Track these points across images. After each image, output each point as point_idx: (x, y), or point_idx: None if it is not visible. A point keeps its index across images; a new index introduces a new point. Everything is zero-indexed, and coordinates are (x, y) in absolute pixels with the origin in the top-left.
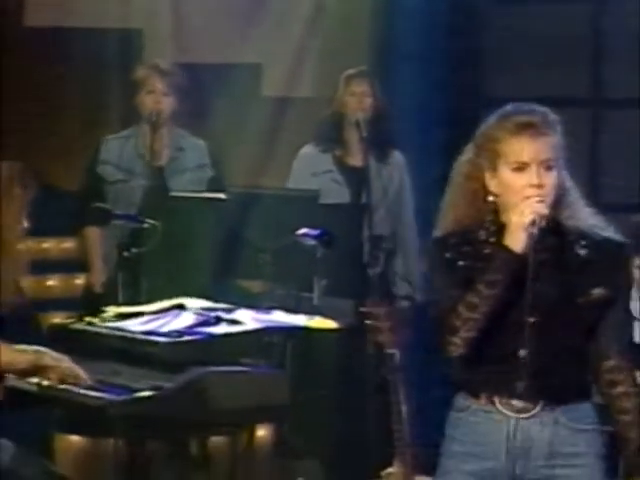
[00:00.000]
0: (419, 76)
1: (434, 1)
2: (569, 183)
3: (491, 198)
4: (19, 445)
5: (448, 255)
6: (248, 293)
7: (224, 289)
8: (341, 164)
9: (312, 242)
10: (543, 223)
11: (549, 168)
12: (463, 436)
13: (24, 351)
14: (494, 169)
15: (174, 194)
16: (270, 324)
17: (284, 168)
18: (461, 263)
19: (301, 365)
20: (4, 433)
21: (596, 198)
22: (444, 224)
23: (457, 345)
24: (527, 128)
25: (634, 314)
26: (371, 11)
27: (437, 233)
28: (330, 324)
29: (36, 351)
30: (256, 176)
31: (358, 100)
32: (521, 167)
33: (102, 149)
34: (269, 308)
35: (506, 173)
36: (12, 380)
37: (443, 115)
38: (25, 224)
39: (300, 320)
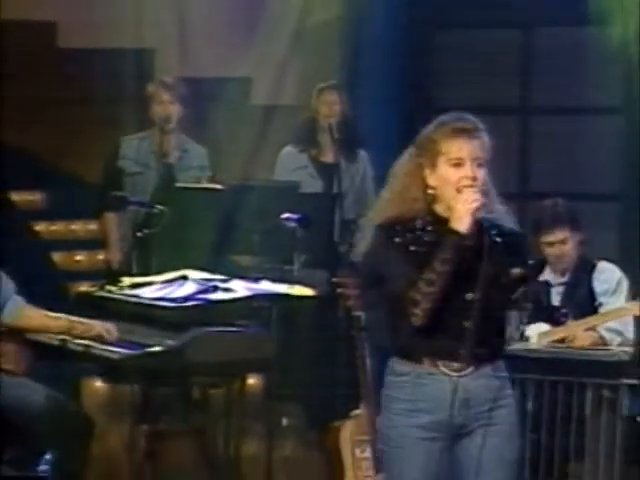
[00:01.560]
0: (379, 88)
1: (391, 28)
2: (490, 183)
3: (430, 191)
4: (51, 389)
5: (398, 240)
6: (240, 266)
7: (220, 263)
8: (315, 161)
9: (293, 224)
10: (482, 209)
11: (480, 165)
12: (409, 396)
13: (57, 318)
14: (434, 166)
15: (180, 185)
16: (258, 292)
17: (270, 164)
18: (412, 247)
19: (284, 326)
20: (39, 379)
21: (524, 186)
22: (385, 214)
23: (418, 316)
24: (463, 131)
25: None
26: (340, 36)
27: (377, 221)
28: (308, 292)
29: (68, 319)
30: (247, 170)
31: (329, 108)
32: (458, 163)
33: (122, 147)
34: (257, 278)
35: (445, 169)
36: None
37: (398, 120)
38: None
39: (283, 288)
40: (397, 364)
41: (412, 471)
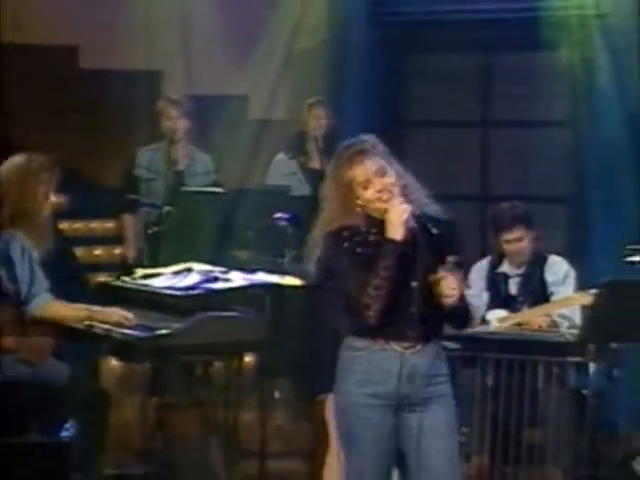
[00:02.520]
0: (358, 103)
1: (368, 52)
2: (408, 180)
3: (359, 208)
4: (73, 367)
5: (346, 245)
6: (238, 260)
7: (221, 257)
8: (304, 167)
9: (284, 223)
10: (412, 215)
11: (382, 175)
12: (364, 368)
13: (80, 309)
14: (351, 190)
15: (187, 189)
16: (254, 282)
17: (264, 170)
18: (359, 250)
19: (276, 311)
20: (62, 358)
21: (485, 191)
22: (329, 223)
23: (372, 317)
24: (355, 157)
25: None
26: (325, 59)
27: (325, 229)
28: (297, 282)
29: (89, 309)
30: (244, 176)
31: (316, 121)
32: (366, 184)
33: (137, 157)
34: (253, 270)
35: (360, 191)
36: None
37: (375, 131)
38: (53, 199)
39: (275, 279)
40: (354, 341)
41: (365, 434)
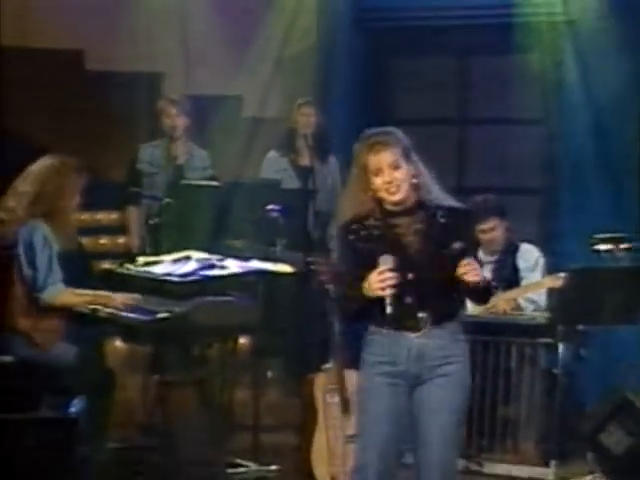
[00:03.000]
0: (345, 103)
1: (354, 55)
2: (423, 170)
3: (370, 193)
4: (80, 348)
5: (351, 237)
6: (233, 248)
7: (217, 245)
8: (294, 164)
9: (276, 214)
10: (408, 203)
11: (396, 168)
12: (378, 350)
13: (85, 294)
14: (366, 175)
15: (185, 182)
16: (248, 269)
17: (257, 165)
18: (361, 245)
19: (268, 296)
20: (70, 340)
21: (461, 183)
22: (344, 214)
23: (389, 307)
24: (375, 145)
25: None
26: (314, 62)
27: (340, 222)
28: (288, 269)
29: (93, 294)
30: (239, 170)
31: (306, 120)
32: (378, 172)
33: (140, 153)
34: (247, 258)
35: (372, 177)
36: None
37: (361, 129)
38: (78, 200)
39: (268, 266)
40: (370, 327)
41: (377, 407)
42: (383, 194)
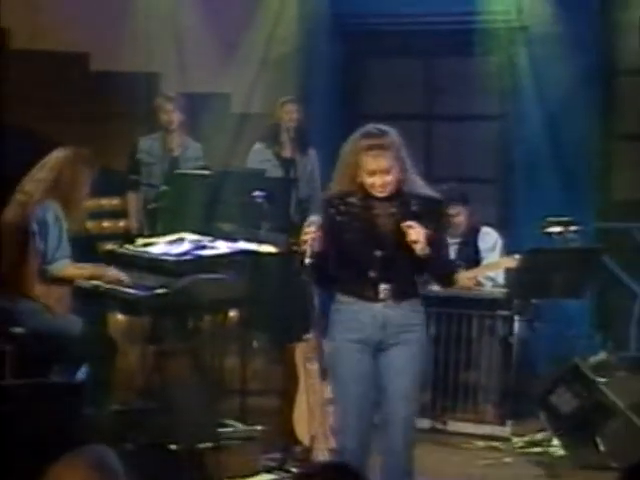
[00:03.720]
0: (324, 100)
1: (332, 57)
2: (409, 164)
3: (358, 179)
4: (86, 320)
5: (332, 211)
6: (223, 230)
7: (208, 228)
8: (278, 156)
9: (261, 200)
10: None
11: (388, 173)
12: (345, 318)
13: (85, 267)
14: (357, 169)
15: (180, 172)
16: (236, 249)
17: (244, 156)
18: (339, 219)
19: (254, 274)
20: (77, 313)
21: (428, 173)
22: (331, 189)
23: (345, 277)
24: (373, 148)
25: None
26: (296, 63)
27: (326, 195)
28: (272, 249)
29: (93, 266)
30: (228, 161)
31: (288, 116)
32: (371, 173)
33: (139, 145)
34: (235, 239)
35: (364, 176)
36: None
37: (338, 124)
38: (88, 189)
39: (254, 247)
40: (339, 297)
41: (347, 371)
42: (370, 189)
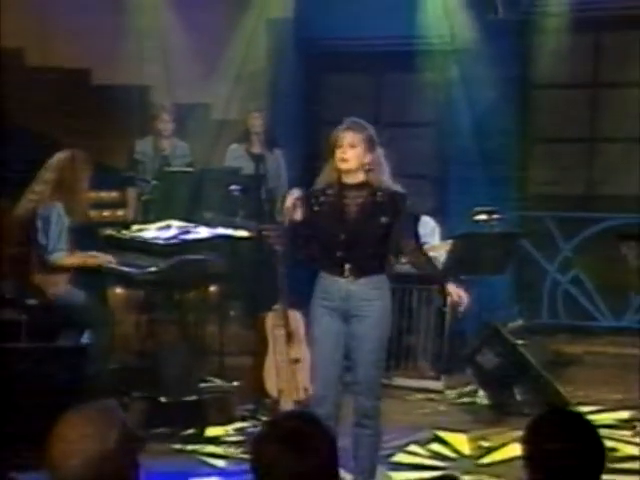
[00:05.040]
0: (289, 109)
1: (296, 72)
2: (382, 163)
3: (334, 163)
4: (88, 293)
5: (312, 201)
6: (204, 218)
7: (192, 216)
8: (249, 153)
9: (237, 193)
10: (357, 181)
11: (352, 147)
12: (321, 288)
13: (78, 256)
14: (334, 149)
15: (169, 169)
16: (215, 234)
17: (222, 155)
18: (315, 208)
19: (232, 255)
20: (80, 287)
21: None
22: (316, 185)
23: (317, 256)
24: (344, 130)
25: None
26: (266, 78)
27: (311, 189)
28: (246, 234)
29: (84, 255)
30: (209, 159)
31: (257, 122)
32: (340, 146)
33: (136, 145)
34: (215, 226)
35: (335, 149)
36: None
37: (300, 128)
38: (87, 184)
39: (231, 232)
40: (320, 272)
41: (321, 330)
42: (338, 162)
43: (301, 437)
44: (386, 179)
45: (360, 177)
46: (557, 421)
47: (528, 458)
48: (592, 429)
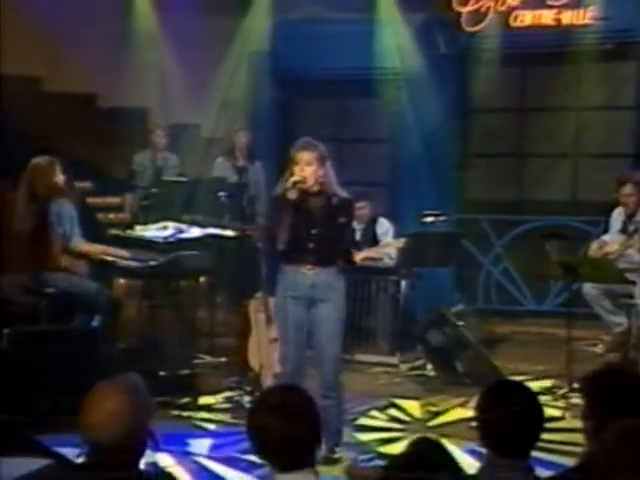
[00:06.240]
0: (266, 128)
1: (273, 99)
2: (331, 174)
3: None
4: (98, 283)
5: (281, 204)
6: (196, 220)
7: (185, 218)
8: (234, 165)
9: (224, 198)
10: (315, 189)
11: (309, 165)
12: (286, 280)
13: (95, 246)
14: (293, 166)
15: (164, 179)
16: (206, 233)
17: (211, 167)
18: (282, 207)
19: (220, 251)
20: (92, 278)
21: (341, 180)
22: (278, 190)
23: (286, 250)
24: (301, 150)
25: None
26: (246, 102)
27: (274, 193)
28: (232, 233)
29: (100, 247)
30: (200, 171)
31: (240, 139)
32: (299, 164)
33: (135, 158)
34: (205, 226)
35: (294, 165)
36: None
37: (275, 145)
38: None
39: (219, 232)
40: (283, 266)
41: (287, 317)
42: (298, 181)
43: (290, 406)
44: (336, 187)
45: (315, 187)
46: (505, 390)
47: (482, 422)
48: (533, 395)
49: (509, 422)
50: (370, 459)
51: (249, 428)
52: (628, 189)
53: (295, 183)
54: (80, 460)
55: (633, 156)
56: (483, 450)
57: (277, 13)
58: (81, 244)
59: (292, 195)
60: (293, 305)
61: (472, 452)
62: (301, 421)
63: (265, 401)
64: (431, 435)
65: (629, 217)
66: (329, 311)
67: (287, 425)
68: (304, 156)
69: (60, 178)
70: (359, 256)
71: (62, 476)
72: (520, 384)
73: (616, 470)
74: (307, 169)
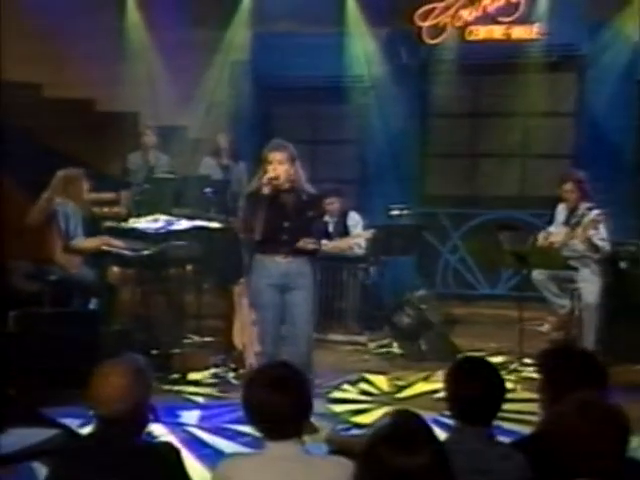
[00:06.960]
0: (247, 131)
1: (255, 104)
2: (300, 172)
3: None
4: (95, 271)
5: (252, 199)
6: (184, 213)
7: (175, 212)
8: (219, 164)
9: (209, 194)
10: (286, 186)
11: (281, 164)
12: (261, 269)
13: (94, 240)
14: (266, 165)
15: (155, 176)
16: (194, 225)
17: (197, 165)
18: (257, 205)
19: (207, 241)
20: (90, 266)
21: (314, 178)
22: (251, 187)
23: (261, 241)
24: (273, 150)
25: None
26: (230, 106)
27: (248, 190)
28: (217, 225)
29: (100, 238)
30: (187, 169)
31: (225, 140)
32: (271, 163)
33: (129, 157)
34: (193, 219)
35: (267, 166)
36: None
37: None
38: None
39: (205, 224)
40: (257, 256)
41: (264, 302)
42: (271, 178)
43: (283, 381)
44: (305, 184)
45: (287, 184)
46: (471, 364)
47: (451, 393)
48: (495, 370)
49: (476, 393)
50: (347, 429)
51: (246, 401)
52: (569, 186)
53: (271, 179)
54: (86, 431)
55: (573, 157)
56: (446, 420)
57: (257, 26)
58: (82, 242)
59: (266, 191)
60: (268, 291)
61: (435, 422)
62: (294, 395)
63: (260, 377)
64: (399, 407)
65: (571, 211)
66: (301, 296)
67: (281, 399)
68: (276, 156)
69: (87, 188)
70: (330, 245)
71: (73, 444)
72: (484, 360)
73: (575, 439)
74: (279, 168)
